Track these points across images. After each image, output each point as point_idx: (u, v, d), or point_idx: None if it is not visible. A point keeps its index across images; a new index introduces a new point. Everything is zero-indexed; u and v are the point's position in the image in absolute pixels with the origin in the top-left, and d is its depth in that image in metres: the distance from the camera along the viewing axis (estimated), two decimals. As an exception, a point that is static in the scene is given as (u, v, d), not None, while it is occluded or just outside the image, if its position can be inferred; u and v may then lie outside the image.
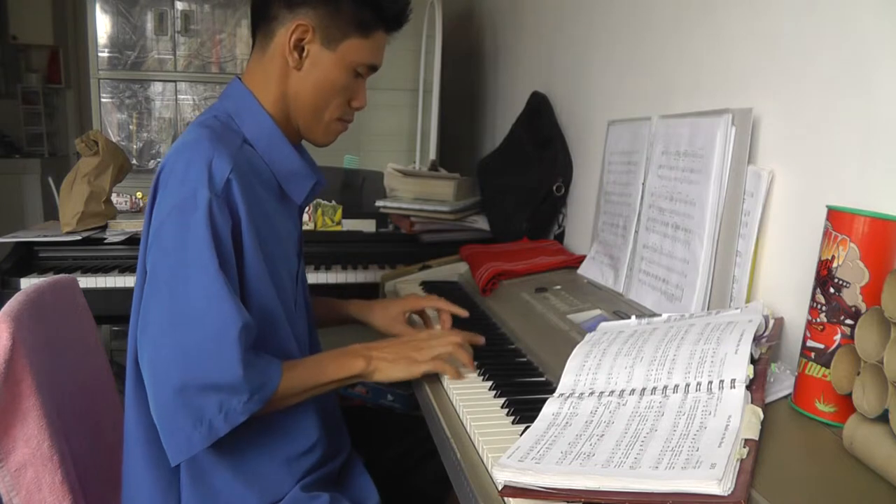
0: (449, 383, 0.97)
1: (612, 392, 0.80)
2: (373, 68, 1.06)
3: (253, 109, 1.02)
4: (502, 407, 0.89)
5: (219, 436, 0.85)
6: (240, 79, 1.05)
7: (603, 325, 1.02)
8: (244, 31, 2.95)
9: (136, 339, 0.92)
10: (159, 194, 0.92)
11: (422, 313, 1.30)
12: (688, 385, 0.77)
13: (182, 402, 0.85)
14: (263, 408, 0.89)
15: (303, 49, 1.00)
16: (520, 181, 1.88)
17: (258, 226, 0.95)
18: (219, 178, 0.90)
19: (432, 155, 2.61)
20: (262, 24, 1.03)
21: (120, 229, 1.86)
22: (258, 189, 0.98)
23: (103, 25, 2.88)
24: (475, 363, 1.05)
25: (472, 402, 0.91)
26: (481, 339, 1.10)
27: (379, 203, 2.04)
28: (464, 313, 1.21)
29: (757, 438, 0.67)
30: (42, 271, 1.78)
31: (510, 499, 0.65)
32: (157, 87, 3.00)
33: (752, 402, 0.73)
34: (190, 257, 0.87)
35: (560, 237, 1.82)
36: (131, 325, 0.96)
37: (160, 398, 0.86)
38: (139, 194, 2.14)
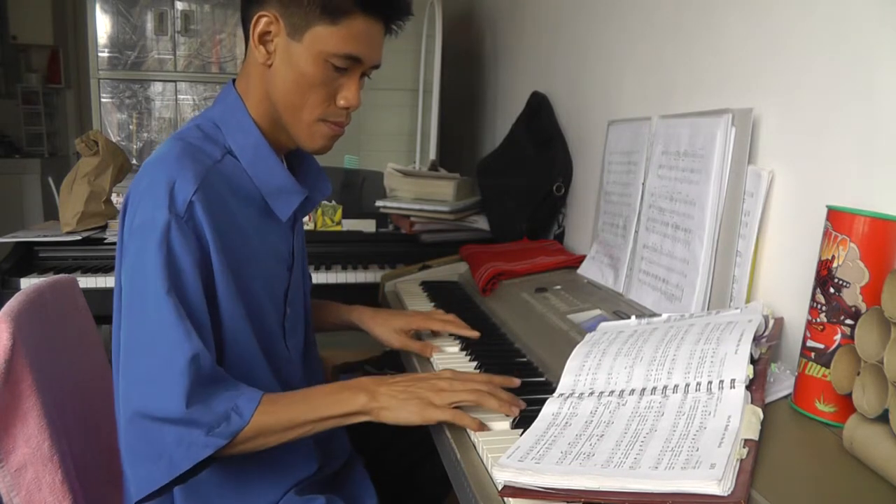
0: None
1: (611, 392, 0.80)
2: (353, 59, 0.93)
3: (239, 118, 0.96)
4: (502, 407, 0.89)
5: (181, 470, 0.80)
6: (234, 82, 1.00)
7: (603, 325, 1.02)
8: (244, 31, 2.95)
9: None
10: (127, 214, 0.89)
11: (431, 330, 1.21)
12: (688, 385, 0.77)
13: (141, 434, 0.82)
14: (234, 444, 0.82)
15: (270, 42, 0.93)
16: (520, 181, 1.88)
17: (230, 247, 0.90)
18: (181, 199, 0.85)
19: (432, 155, 2.61)
20: (244, 23, 0.97)
21: (120, 229, 1.86)
22: (233, 206, 0.92)
23: (103, 25, 2.88)
24: (475, 363, 1.05)
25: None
26: (517, 382, 0.93)
27: (379, 203, 2.04)
28: (474, 335, 1.13)
29: (757, 438, 0.67)
30: (42, 271, 1.77)
31: (510, 499, 0.65)
32: (157, 87, 3.00)
33: (752, 402, 0.73)
34: (145, 283, 0.84)
35: (560, 237, 1.82)
36: (114, 338, 0.93)
37: (124, 429, 0.84)
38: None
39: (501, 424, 0.83)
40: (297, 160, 1.06)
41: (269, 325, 0.99)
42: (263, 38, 0.93)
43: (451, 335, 1.19)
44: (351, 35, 0.92)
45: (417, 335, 1.23)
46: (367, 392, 0.86)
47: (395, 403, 0.85)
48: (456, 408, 0.84)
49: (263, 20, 0.92)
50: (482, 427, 0.82)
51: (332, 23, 0.91)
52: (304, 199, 1.01)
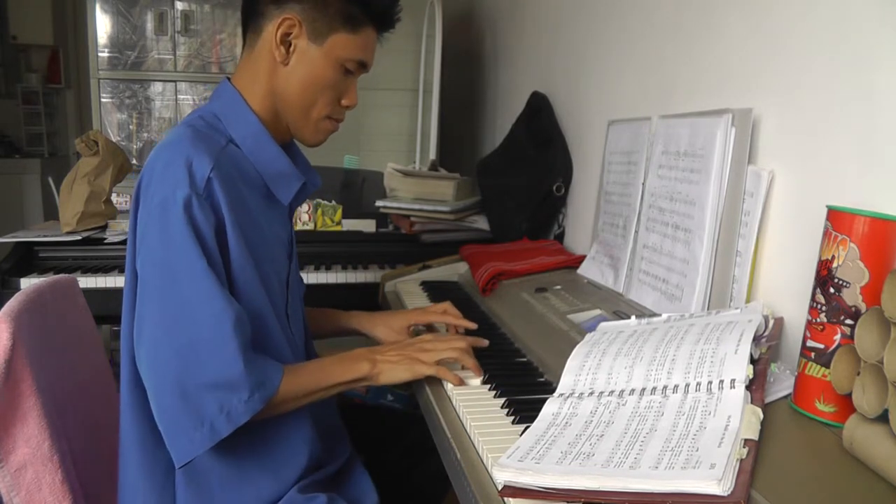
0: (449, 383, 0.97)
1: (611, 392, 0.80)
2: (362, 65, 1.05)
3: (239, 110, 1.01)
4: (502, 407, 0.89)
5: (221, 436, 0.85)
6: (229, 79, 1.05)
7: (603, 325, 1.02)
8: (244, 31, 2.95)
9: (132, 342, 0.91)
10: (142, 196, 0.92)
11: (429, 325, 1.26)
12: (687, 385, 0.77)
13: (182, 403, 0.84)
14: (265, 409, 0.88)
15: (290, 44, 0.99)
16: (520, 181, 1.88)
17: (243, 226, 0.94)
18: (199, 176, 0.89)
19: (432, 155, 2.61)
20: (251, 22, 1.03)
21: (120, 229, 1.86)
22: (243, 189, 0.97)
23: (103, 25, 2.88)
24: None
25: (471, 402, 0.91)
26: (485, 342, 1.09)
27: (379, 203, 2.04)
28: (472, 326, 1.18)
29: (757, 438, 0.67)
30: (42, 271, 1.77)
31: (510, 499, 0.65)
32: (157, 87, 3.00)
33: (751, 402, 0.73)
34: (175, 257, 0.87)
35: (560, 237, 1.82)
36: (123, 329, 0.95)
37: (161, 400, 0.86)
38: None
39: (475, 381, 0.98)
40: (288, 153, 1.08)
41: (278, 310, 1.02)
42: (285, 38, 0.99)
43: (448, 327, 1.21)
44: (365, 43, 1.03)
45: (416, 332, 1.24)
46: (369, 361, 0.98)
47: (389, 367, 0.98)
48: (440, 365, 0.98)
49: (287, 23, 0.98)
50: (462, 382, 0.97)
51: (351, 31, 1.01)
52: (302, 184, 1.07)
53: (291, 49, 1.00)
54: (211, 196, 0.90)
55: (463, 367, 1.00)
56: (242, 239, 0.93)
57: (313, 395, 0.95)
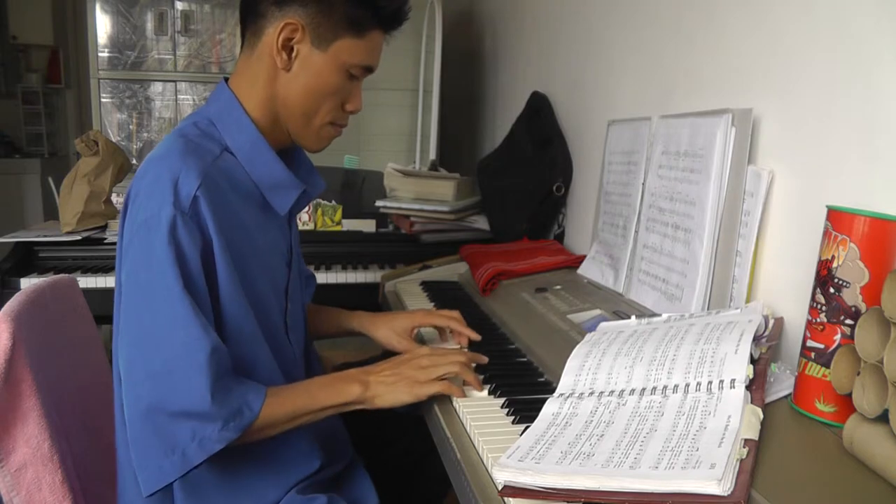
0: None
1: (611, 392, 0.80)
2: (368, 70, 1.01)
3: (236, 116, 0.97)
4: (502, 407, 0.89)
5: (193, 465, 0.82)
6: (227, 81, 1.01)
7: (603, 325, 1.02)
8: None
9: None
10: (129, 208, 0.89)
11: (434, 327, 1.22)
12: (687, 385, 0.77)
13: (153, 429, 0.82)
14: (243, 436, 0.85)
15: (292, 49, 0.95)
16: (520, 181, 1.88)
17: (233, 242, 0.91)
18: (185, 194, 0.86)
19: (432, 155, 2.61)
20: (250, 23, 0.98)
21: (120, 229, 1.86)
22: (235, 202, 0.93)
23: (103, 25, 2.88)
24: (474, 364, 1.05)
25: (471, 402, 0.91)
26: (485, 359, 1.04)
27: (379, 203, 2.04)
28: (477, 337, 1.14)
29: (757, 438, 0.67)
30: (42, 271, 1.78)
31: (510, 499, 0.65)
32: (157, 87, 3.00)
33: (751, 402, 0.73)
34: (154, 278, 0.84)
35: (560, 237, 1.82)
36: (114, 338, 0.93)
37: (132, 423, 0.83)
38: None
39: (478, 394, 0.94)
40: (289, 157, 1.06)
41: (274, 320, 1.00)
42: (287, 44, 0.95)
43: (451, 333, 1.19)
44: (371, 47, 0.99)
45: (419, 337, 1.23)
46: (361, 383, 0.92)
47: (385, 389, 0.92)
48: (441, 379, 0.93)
49: (289, 28, 0.94)
50: (466, 395, 0.93)
51: (357, 36, 0.97)
52: (301, 193, 1.03)
53: (294, 54, 0.95)
54: (197, 215, 0.86)
55: (465, 383, 0.96)
56: (231, 257, 0.90)
57: (299, 419, 0.90)
